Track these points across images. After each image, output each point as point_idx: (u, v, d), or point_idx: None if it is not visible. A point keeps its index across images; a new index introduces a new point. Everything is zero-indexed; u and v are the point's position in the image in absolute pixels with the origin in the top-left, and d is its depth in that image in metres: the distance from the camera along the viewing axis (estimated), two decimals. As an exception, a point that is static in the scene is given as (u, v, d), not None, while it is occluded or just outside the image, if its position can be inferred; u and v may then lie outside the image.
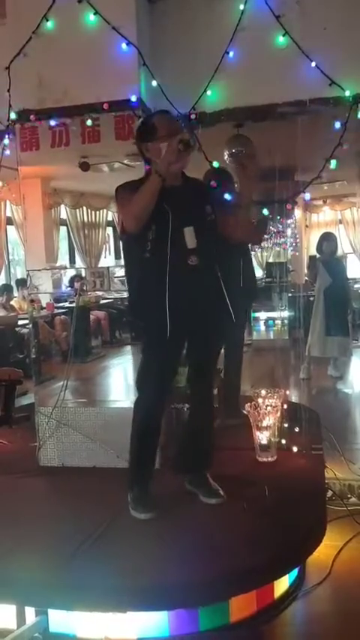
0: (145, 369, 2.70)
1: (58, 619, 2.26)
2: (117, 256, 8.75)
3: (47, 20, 3.25)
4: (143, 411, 2.71)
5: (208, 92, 3.30)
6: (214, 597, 2.23)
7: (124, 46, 3.17)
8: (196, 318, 2.61)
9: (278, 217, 6.39)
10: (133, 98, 3.16)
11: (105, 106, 3.18)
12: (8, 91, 3.30)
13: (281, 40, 3.22)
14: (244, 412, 3.33)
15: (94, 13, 3.18)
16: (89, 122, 3.23)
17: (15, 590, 2.28)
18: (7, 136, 3.47)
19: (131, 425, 2.74)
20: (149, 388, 2.69)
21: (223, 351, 3.78)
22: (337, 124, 3.25)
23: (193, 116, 3.32)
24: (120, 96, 3.17)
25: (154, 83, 3.29)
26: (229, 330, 3.81)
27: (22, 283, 7.14)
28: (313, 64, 3.19)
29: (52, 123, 3.27)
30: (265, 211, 3.81)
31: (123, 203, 2.59)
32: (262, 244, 7.76)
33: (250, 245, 4.87)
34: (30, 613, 2.28)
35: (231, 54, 3.26)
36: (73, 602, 2.22)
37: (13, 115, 3.33)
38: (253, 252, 8.46)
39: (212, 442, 2.85)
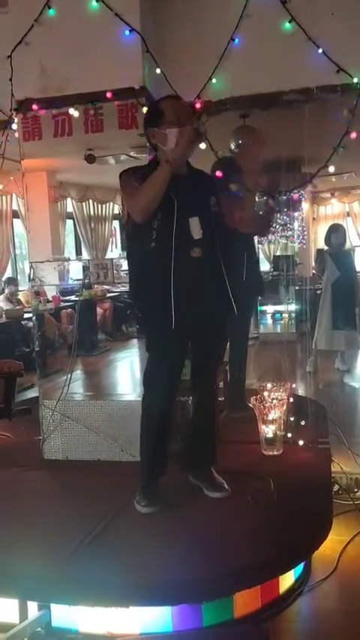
0: (155, 364, 2.64)
1: (61, 613, 2.25)
2: (124, 249, 8.73)
3: (49, 8, 3.21)
4: (155, 409, 2.65)
5: (213, 80, 3.25)
6: (218, 592, 2.19)
7: (127, 32, 3.12)
8: (199, 312, 2.55)
9: (285, 210, 6.35)
10: (137, 86, 3.11)
11: (108, 95, 3.14)
12: (10, 80, 3.26)
13: (287, 26, 3.16)
14: (250, 405, 3.29)
15: (97, 0, 3.13)
16: (92, 111, 3.18)
17: (18, 585, 2.26)
18: (9, 126, 3.43)
19: (140, 422, 2.70)
20: (160, 385, 2.62)
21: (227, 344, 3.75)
22: (345, 112, 3.20)
23: (197, 105, 3.27)
24: (123, 84, 3.12)
25: (158, 71, 3.24)
26: (233, 324, 3.79)
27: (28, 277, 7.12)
28: (320, 50, 3.13)
29: (55, 112, 3.23)
30: (267, 199, 3.73)
31: (129, 192, 2.51)
32: (270, 237, 7.71)
33: (256, 239, 4.81)
34: (32, 607, 2.27)
35: (236, 41, 3.21)
36: (75, 596, 2.20)
37: (15, 105, 3.29)
38: (260, 246, 8.44)
39: (216, 438, 2.81)
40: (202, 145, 3.36)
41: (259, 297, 6.04)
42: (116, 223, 8.89)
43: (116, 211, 8.75)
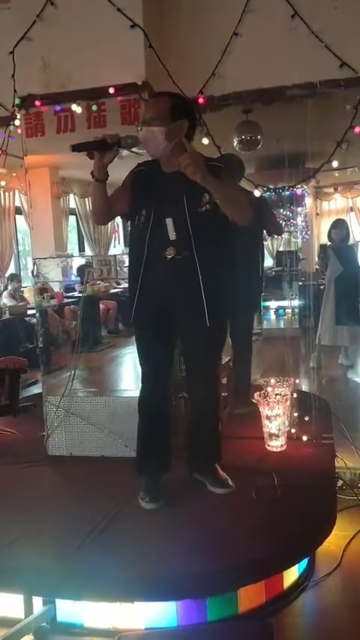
0: (139, 359, 2.68)
1: (66, 609, 2.26)
2: (126, 245, 8.73)
3: (51, 3, 3.20)
4: (139, 398, 2.70)
5: (216, 75, 3.24)
6: (222, 587, 2.20)
7: (129, 28, 3.10)
8: (173, 313, 2.56)
9: (289, 205, 6.34)
10: (139, 82, 3.10)
11: (111, 90, 3.13)
12: (13, 76, 3.26)
13: (291, 20, 3.14)
14: (254, 401, 3.29)
15: (99, -5, 3.12)
16: (95, 107, 3.18)
17: (23, 580, 2.26)
18: (12, 123, 3.43)
19: None
20: (145, 380, 2.67)
21: (230, 341, 3.74)
22: (349, 107, 3.18)
23: (200, 100, 3.26)
24: (126, 79, 3.11)
25: (161, 66, 3.22)
26: (235, 321, 3.77)
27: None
28: (324, 44, 3.12)
29: (57, 108, 3.22)
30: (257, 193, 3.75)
31: None
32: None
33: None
34: (38, 602, 2.28)
35: (239, 35, 3.19)
36: (80, 591, 2.21)
37: (17, 101, 3.28)
38: (265, 242, 8.43)
39: (218, 436, 2.80)
40: (205, 140, 3.36)
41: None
42: (119, 219, 8.87)
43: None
